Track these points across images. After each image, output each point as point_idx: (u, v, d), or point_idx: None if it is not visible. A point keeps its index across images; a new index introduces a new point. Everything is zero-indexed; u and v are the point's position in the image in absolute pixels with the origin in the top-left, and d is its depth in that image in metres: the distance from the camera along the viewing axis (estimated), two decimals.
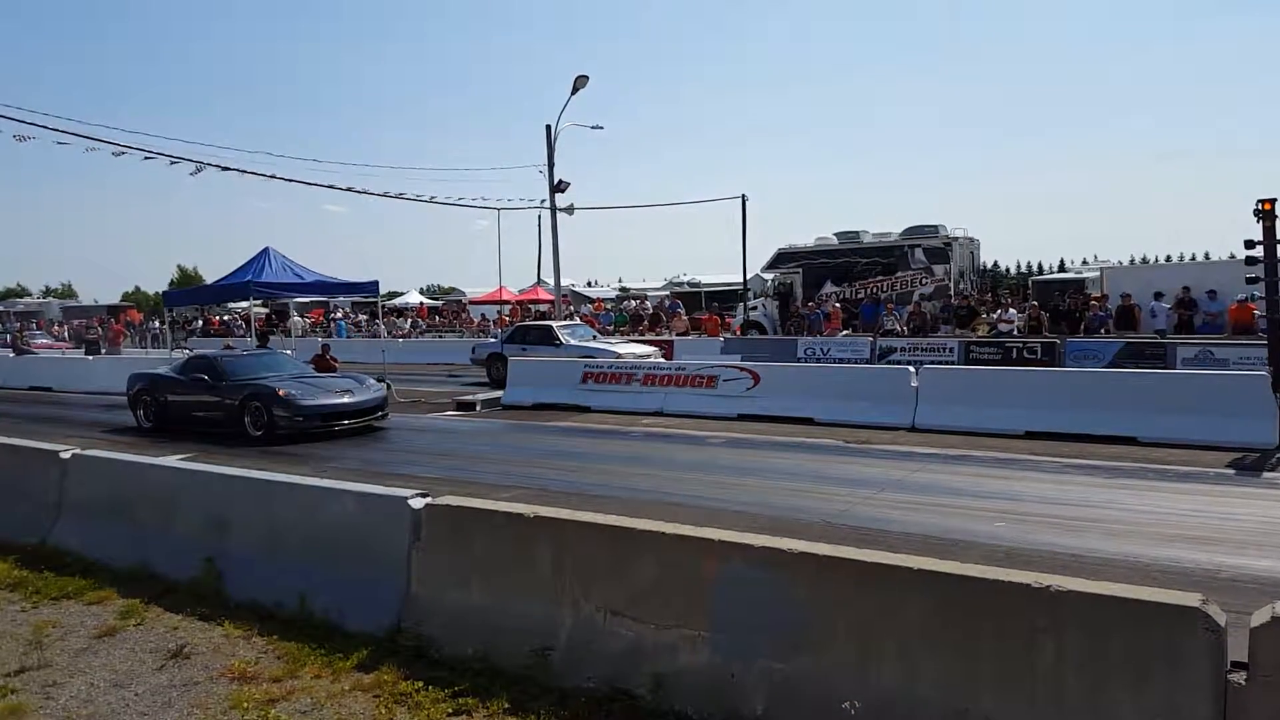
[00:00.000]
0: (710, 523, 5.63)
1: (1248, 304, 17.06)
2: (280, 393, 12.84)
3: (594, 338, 19.97)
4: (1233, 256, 15.51)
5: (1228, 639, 3.02)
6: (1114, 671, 3.14)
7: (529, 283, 40.81)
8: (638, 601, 4.23)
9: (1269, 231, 10.51)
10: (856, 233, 28.41)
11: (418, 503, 5.16)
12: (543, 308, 36.41)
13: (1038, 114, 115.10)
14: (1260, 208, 10.57)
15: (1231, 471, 9.05)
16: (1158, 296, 20.16)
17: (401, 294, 49.33)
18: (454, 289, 57.00)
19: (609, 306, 34.82)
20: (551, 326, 19.75)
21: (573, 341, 18.78)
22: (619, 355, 17.34)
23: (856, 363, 19.55)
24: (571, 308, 34.58)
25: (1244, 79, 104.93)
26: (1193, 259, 43.54)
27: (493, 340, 21.71)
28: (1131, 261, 40.67)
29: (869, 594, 3.68)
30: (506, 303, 37.78)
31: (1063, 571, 5.09)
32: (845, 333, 23.44)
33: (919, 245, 26.73)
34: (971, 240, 27.96)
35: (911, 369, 13.31)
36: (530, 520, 4.69)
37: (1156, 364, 16.39)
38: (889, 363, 19.01)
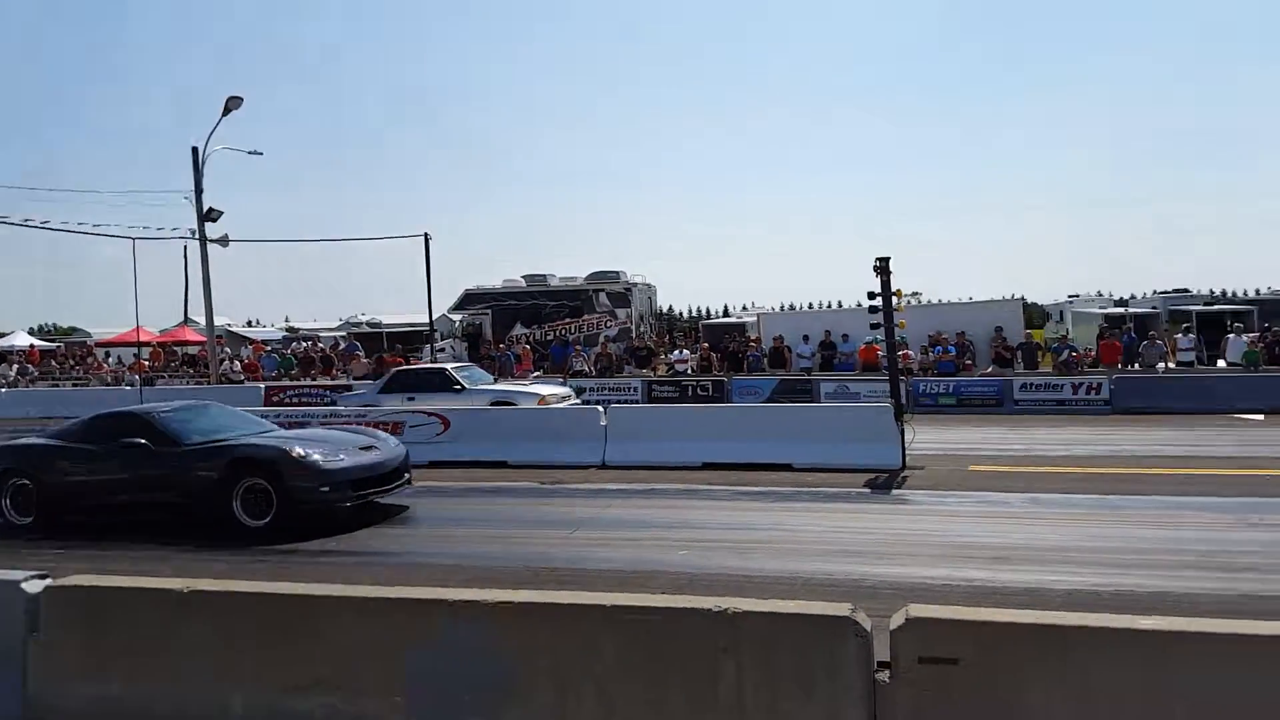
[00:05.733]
0: (404, 580, 5.34)
1: (873, 345, 20.06)
2: (294, 453, 8.87)
3: (494, 380, 18.04)
4: (859, 305, 18.17)
5: (874, 642, 3.40)
6: (785, 684, 3.39)
7: (174, 322, 36.62)
8: (324, 674, 3.85)
9: (885, 284, 12.40)
10: (544, 276, 29.25)
11: (34, 586, 4.28)
12: (192, 350, 32.92)
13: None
14: (877, 264, 12.44)
15: (868, 490, 10.43)
16: (805, 339, 23.08)
17: (6, 334, 41.06)
18: (75, 329, 49.36)
19: (270, 349, 31.66)
20: (446, 369, 17.30)
21: (479, 386, 16.55)
22: (541, 398, 15.83)
23: None
24: (227, 350, 31.47)
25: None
26: (837, 306, 50.26)
27: (359, 392, 18.09)
28: (783, 308, 45.97)
29: (567, 636, 3.66)
30: (146, 344, 32.74)
31: (739, 592, 5.52)
32: (536, 374, 23.84)
33: (603, 289, 28.15)
34: (649, 285, 30.04)
35: (600, 408, 13.80)
36: (185, 596, 4.10)
37: (805, 398, 18.68)
38: (579, 403, 19.62)
